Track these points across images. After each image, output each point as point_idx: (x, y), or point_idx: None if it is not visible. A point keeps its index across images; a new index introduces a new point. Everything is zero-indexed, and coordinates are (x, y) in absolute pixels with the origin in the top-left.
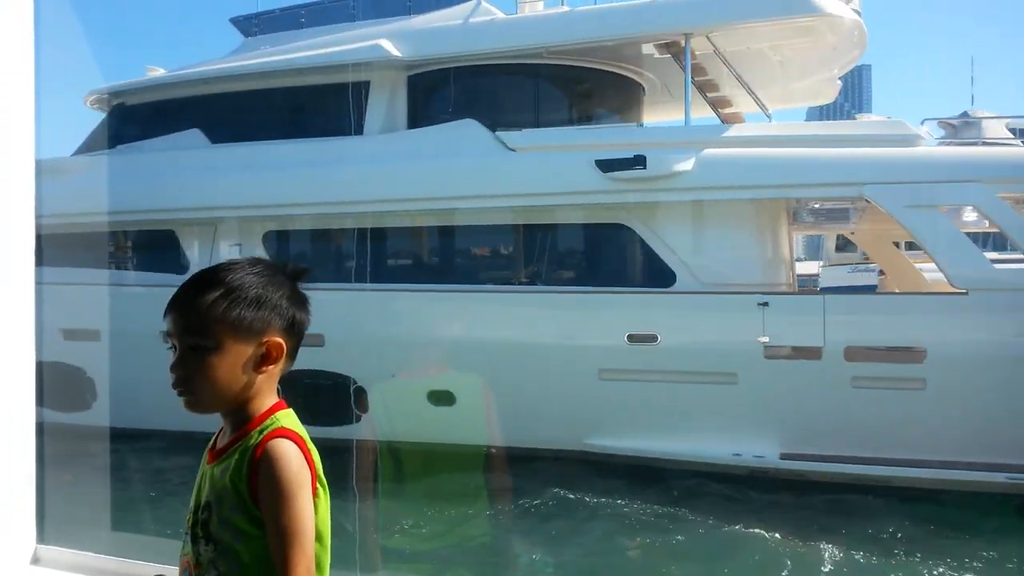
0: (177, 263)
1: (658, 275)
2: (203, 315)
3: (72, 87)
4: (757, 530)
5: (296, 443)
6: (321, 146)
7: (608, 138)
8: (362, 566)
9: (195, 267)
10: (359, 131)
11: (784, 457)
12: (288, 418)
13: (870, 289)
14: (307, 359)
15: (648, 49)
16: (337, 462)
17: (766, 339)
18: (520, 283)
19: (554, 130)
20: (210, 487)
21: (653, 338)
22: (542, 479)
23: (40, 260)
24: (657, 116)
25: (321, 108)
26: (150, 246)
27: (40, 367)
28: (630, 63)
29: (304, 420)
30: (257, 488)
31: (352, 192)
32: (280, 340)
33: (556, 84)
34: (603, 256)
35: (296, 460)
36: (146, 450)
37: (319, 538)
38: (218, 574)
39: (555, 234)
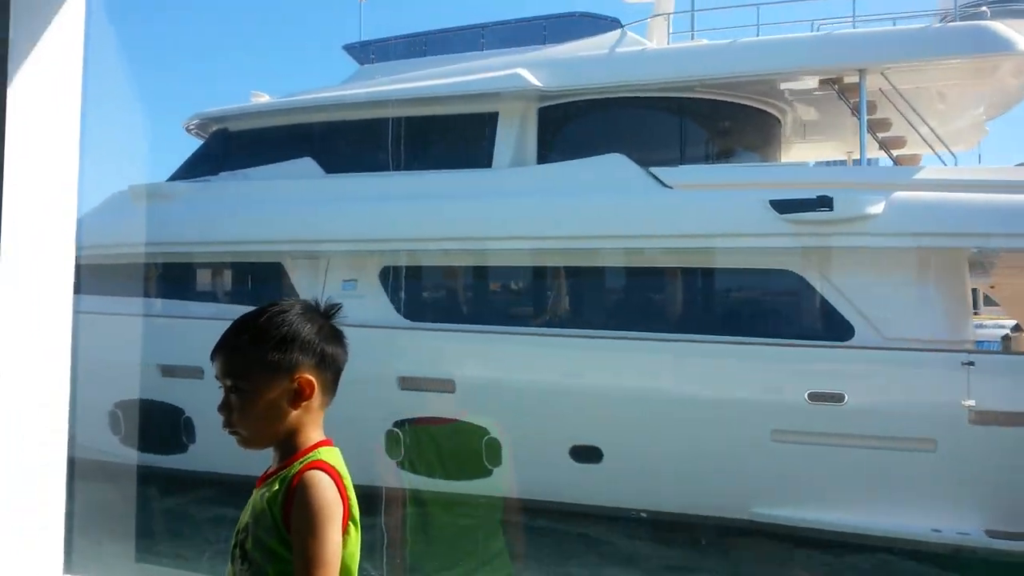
0: (283, 297)
1: (833, 327)
2: (237, 357)
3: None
4: None
5: (332, 477)
6: (446, 178)
7: (784, 176)
8: None
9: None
10: (486, 164)
11: (992, 535)
12: (330, 454)
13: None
14: (439, 405)
15: (797, 84)
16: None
17: (972, 403)
18: (670, 330)
19: (720, 167)
20: (251, 510)
21: (839, 397)
22: (705, 551)
23: (79, 288)
24: (789, 155)
25: (445, 139)
26: (255, 278)
27: (138, 404)
28: (772, 98)
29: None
30: (290, 514)
31: (482, 228)
32: (310, 377)
33: (700, 119)
34: (766, 304)
35: (330, 493)
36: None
37: (347, 574)
38: None
39: (710, 278)
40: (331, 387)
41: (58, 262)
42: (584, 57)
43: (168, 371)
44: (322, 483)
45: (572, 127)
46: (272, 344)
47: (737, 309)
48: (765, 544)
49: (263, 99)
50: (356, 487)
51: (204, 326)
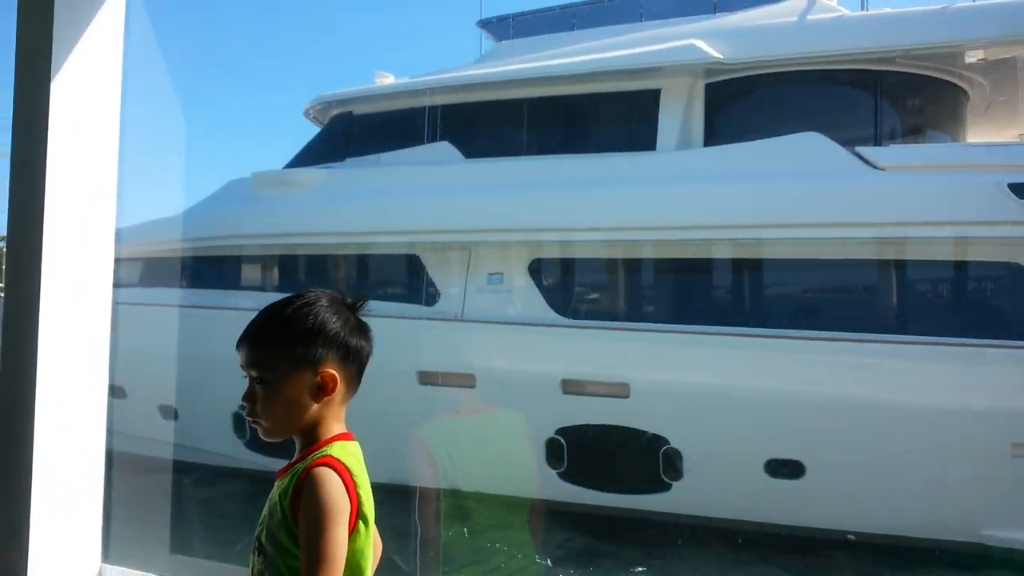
0: (422, 292)
1: None
2: (263, 349)
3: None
4: None
5: (340, 473)
6: (604, 163)
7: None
8: None
9: (446, 297)
10: (648, 146)
11: None
12: (343, 449)
13: None
14: (610, 412)
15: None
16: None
17: None
18: (882, 330)
19: (943, 146)
20: (268, 502)
21: None
22: None
23: (118, 281)
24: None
25: (600, 120)
26: (387, 272)
27: None
28: (964, 70)
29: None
30: (297, 509)
31: (651, 216)
32: (334, 371)
33: (894, 93)
34: (991, 301)
35: (333, 488)
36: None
37: (354, 571)
38: None
39: (923, 272)
40: (355, 381)
41: (98, 259)
42: (769, 26)
43: None
44: (328, 480)
45: (744, 104)
46: (297, 337)
47: (958, 306)
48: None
49: (387, 80)
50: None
51: None
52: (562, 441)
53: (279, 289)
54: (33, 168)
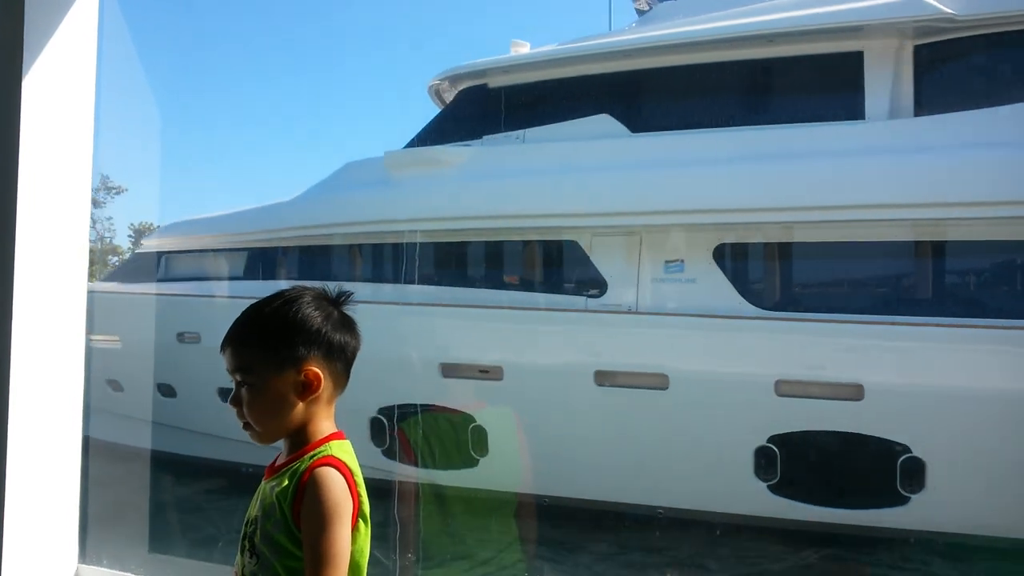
0: (583, 281)
1: None
2: (245, 351)
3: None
4: None
5: (343, 473)
6: (804, 134)
7: None
8: None
9: (614, 288)
10: (853, 115)
11: None
12: (341, 448)
13: None
14: (837, 417)
15: None
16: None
17: None
18: None
19: None
20: (260, 502)
21: None
22: None
23: (93, 275)
24: None
25: (792, 86)
26: (541, 260)
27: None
28: None
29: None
30: (300, 511)
31: (872, 193)
32: (318, 369)
33: None
34: None
35: (339, 489)
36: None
37: (355, 570)
38: None
39: None
40: (342, 377)
41: (72, 255)
42: None
43: (451, 370)
44: (333, 480)
45: (960, 69)
46: (278, 336)
47: None
48: None
49: (524, 49)
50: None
51: (488, 317)
52: (775, 450)
53: (421, 280)
54: (5, 166)
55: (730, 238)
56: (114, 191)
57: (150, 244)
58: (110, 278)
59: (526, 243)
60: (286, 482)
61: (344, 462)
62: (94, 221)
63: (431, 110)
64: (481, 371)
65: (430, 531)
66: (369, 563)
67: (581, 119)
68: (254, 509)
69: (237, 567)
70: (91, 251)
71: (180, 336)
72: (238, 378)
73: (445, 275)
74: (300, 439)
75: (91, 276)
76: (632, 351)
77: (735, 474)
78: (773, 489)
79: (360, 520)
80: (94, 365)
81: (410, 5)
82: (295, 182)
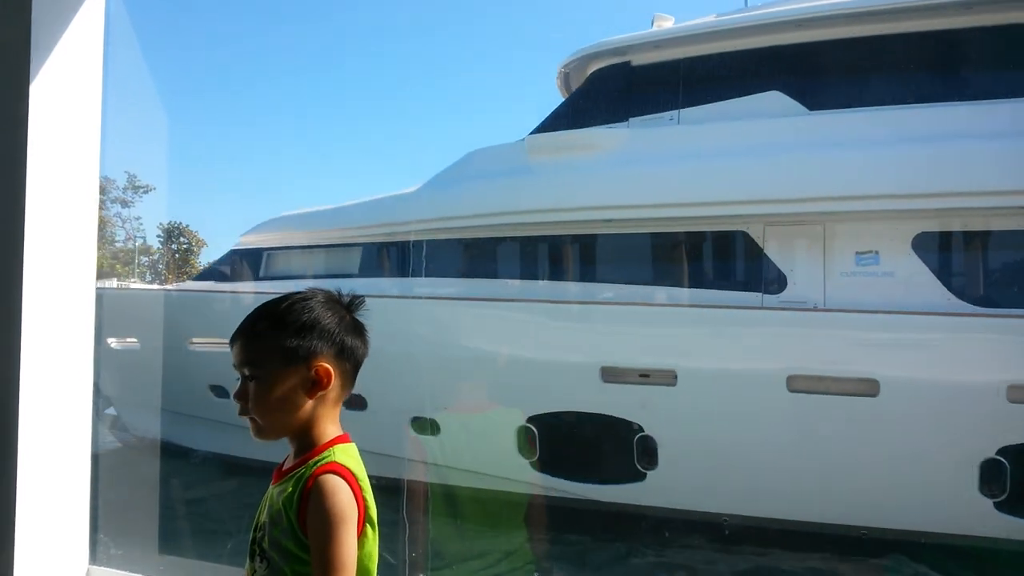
0: (756, 275)
1: None
2: (254, 346)
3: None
4: None
5: (347, 479)
6: (1012, 109)
7: None
8: None
9: (795, 283)
10: None
11: None
12: (345, 453)
13: None
14: None
15: None
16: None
17: None
18: None
19: None
20: (268, 508)
21: None
22: None
23: (99, 274)
24: None
25: (989, 58)
26: (704, 253)
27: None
28: None
29: None
30: (305, 517)
31: None
32: (328, 365)
33: None
34: None
35: (343, 496)
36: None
37: (364, 575)
38: None
39: None
40: (349, 380)
41: (81, 259)
42: None
43: (612, 374)
44: (336, 487)
45: None
46: (291, 331)
47: None
48: None
49: (668, 23)
50: None
51: (656, 316)
52: (1004, 463)
53: (570, 276)
54: (13, 168)
55: (933, 226)
56: (142, 190)
57: (248, 240)
58: (203, 277)
59: (688, 234)
60: (291, 489)
61: (348, 467)
62: (122, 221)
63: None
64: (641, 375)
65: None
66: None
67: (747, 97)
68: (262, 515)
69: (248, 572)
70: (121, 252)
71: None
72: (246, 372)
73: (598, 270)
74: (306, 441)
75: (121, 276)
76: (831, 353)
77: (956, 491)
78: (1000, 507)
79: (367, 525)
80: (196, 370)
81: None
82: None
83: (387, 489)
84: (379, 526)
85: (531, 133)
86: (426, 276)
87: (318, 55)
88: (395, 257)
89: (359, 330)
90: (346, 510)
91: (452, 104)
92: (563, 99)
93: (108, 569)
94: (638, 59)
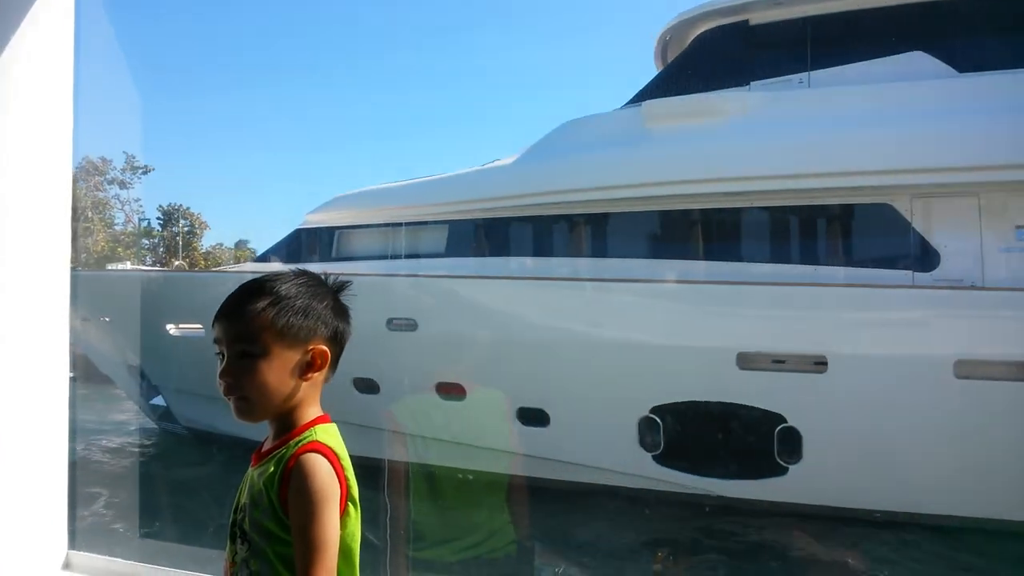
0: (903, 251)
1: None
2: (252, 323)
3: None
4: None
5: (329, 458)
6: None
7: None
8: None
9: (948, 258)
10: None
11: None
12: (326, 433)
13: None
14: None
15: None
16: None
17: None
18: None
19: None
20: (248, 489)
21: None
22: None
23: (76, 261)
24: None
25: None
26: (852, 226)
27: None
28: None
29: None
30: (286, 497)
31: None
32: (325, 348)
33: None
34: None
35: (324, 475)
36: None
37: (346, 554)
38: (249, 572)
39: None
40: (335, 363)
41: (53, 239)
42: None
43: (749, 361)
44: (318, 466)
45: None
46: (292, 311)
47: None
48: None
49: None
50: None
51: (793, 297)
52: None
53: (691, 254)
54: None
55: None
56: (140, 171)
57: (315, 220)
58: (264, 259)
59: (826, 208)
60: (272, 469)
61: (330, 447)
62: (121, 204)
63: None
64: (781, 361)
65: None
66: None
67: (886, 58)
68: (242, 496)
69: (228, 554)
70: (122, 235)
71: (390, 323)
72: (237, 349)
73: (725, 247)
74: (287, 423)
75: (127, 259)
76: (999, 336)
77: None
78: None
79: (349, 504)
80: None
81: None
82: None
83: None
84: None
85: (629, 103)
86: (530, 256)
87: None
88: (487, 234)
89: (346, 315)
90: (328, 489)
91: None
92: (658, 70)
93: (87, 553)
94: (758, 18)
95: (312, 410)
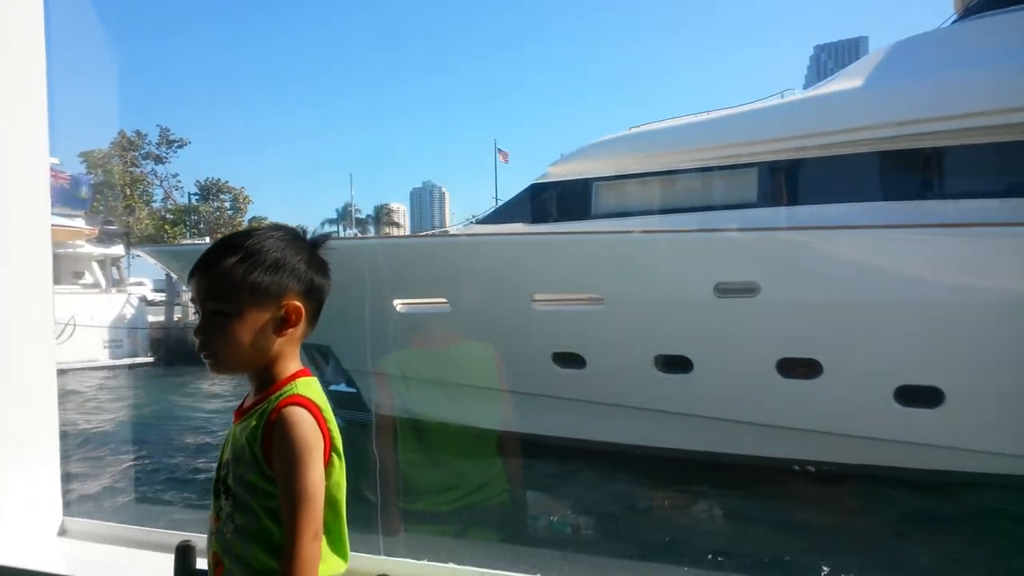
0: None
1: None
2: (223, 280)
3: None
4: None
5: (311, 411)
6: None
7: None
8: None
9: None
10: None
11: None
12: (307, 386)
13: None
14: None
15: None
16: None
17: None
18: None
19: None
20: (231, 445)
21: None
22: None
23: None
24: None
25: None
26: None
27: None
28: None
29: None
30: (270, 450)
31: None
32: (298, 303)
33: None
34: None
35: (307, 427)
36: None
37: (333, 505)
38: (235, 527)
39: None
40: (314, 318)
41: (31, 208)
42: None
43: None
44: (300, 418)
45: None
46: (263, 267)
47: None
48: None
49: None
50: None
51: None
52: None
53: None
54: None
55: None
56: (176, 144)
57: (561, 171)
58: (496, 219)
59: None
60: (254, 423)
61: (312, 400)
62: (160, 180)
63: None
64: None
65: None
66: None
67: None
68: (226, 452)
69: (213, 511)
70: (166, 211)
71: (720, 288)
72: (211, 307)
73: None
74: (267, 378)
75: (170, 236)
76: None
77: None
78: None
79: (333, 455)
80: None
81: None
82: None
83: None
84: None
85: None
86: (897, 199)
87: None
88: (821, 176)
89: (324, 269)
90: (311, 440)
91: None
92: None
93: (82, 519)
94: None
95: (291, 364)
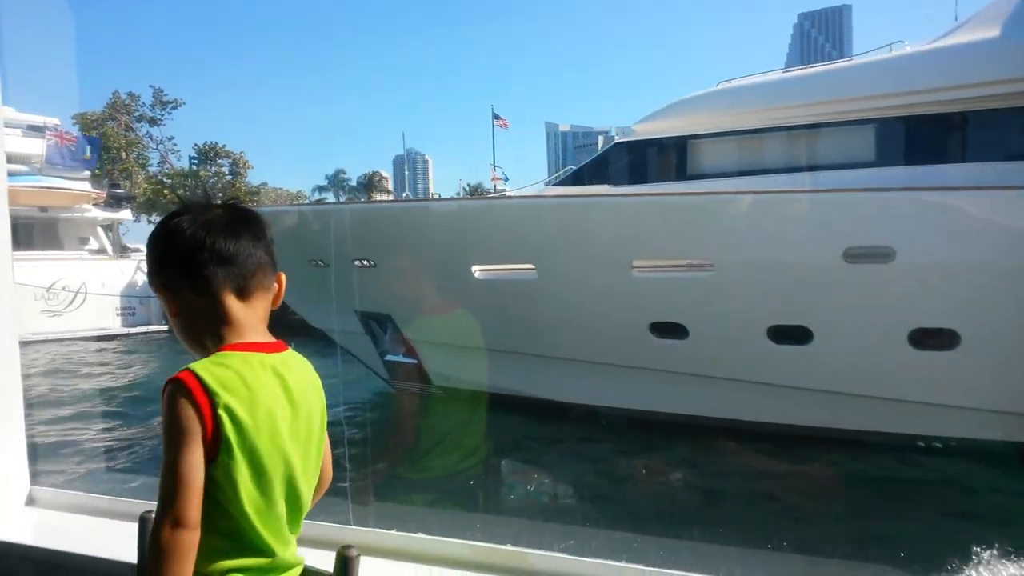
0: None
1: None
2: (150, 276)
3: None
4: None
5: (193, 390)
6: None
7: None
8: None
9: None
10: None
11: None
12: (222, 360)
13: None
14: None
15: None
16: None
17: None
18: None
19: None
20: None
21: None
22: None
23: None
24: None
25: None
26: None
27: None
28: None
29: None
30: None
31: None
32: (188, 292)
33: None
34: None
35: (175, 408)
36: None
37: (227, 504)
38: None
39: None
40: (238, 288)
41: None
42: None
43: None
44: (169, 397)
45: None
46: (154, 267)
47: None
48: None
49: None
50: None
51: None
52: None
53: None
54: None
55: None
56: (170, 106)
57: (649, 129)
58: (574, 180)
59: None
60: None
61: (202, 378)
62: (155, 143)
63: None
64: None
65: None
66: None
67: None
68: None
69: None
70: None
71: (848, 254)
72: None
73: None
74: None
75: (171, 203)
76: None
77: None
78: None
79: (223, 453)
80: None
81: None
82: None
83: None
84: None
85: None
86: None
87: None
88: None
89: (225, 232)
90: (175, 422)
91: None
92: None
93: (49, 488)
94: None
95: (232, 337)
